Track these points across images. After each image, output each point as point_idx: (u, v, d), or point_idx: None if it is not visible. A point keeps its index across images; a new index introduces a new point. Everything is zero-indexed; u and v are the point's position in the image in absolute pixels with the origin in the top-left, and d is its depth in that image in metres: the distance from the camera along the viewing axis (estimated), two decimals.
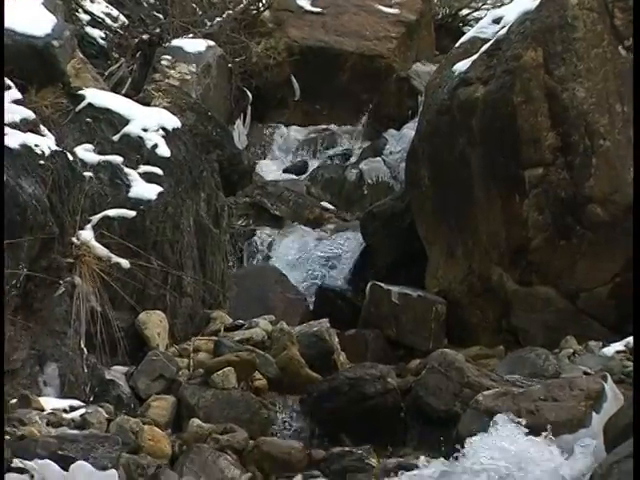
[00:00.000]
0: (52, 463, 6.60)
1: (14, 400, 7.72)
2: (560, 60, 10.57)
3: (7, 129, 8.62)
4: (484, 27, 11.63)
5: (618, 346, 9.35)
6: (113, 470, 6.70)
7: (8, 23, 9.24)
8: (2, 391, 4.96)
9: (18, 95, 8.94)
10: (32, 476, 6.55)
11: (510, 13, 11.24)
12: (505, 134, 10.57)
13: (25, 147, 8.58)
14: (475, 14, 14.29)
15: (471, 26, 13.40)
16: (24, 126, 8.74)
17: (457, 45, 11.89)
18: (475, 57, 11.09)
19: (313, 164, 13.70)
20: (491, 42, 11.11)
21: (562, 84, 10.55)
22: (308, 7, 14.86)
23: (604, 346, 9.48)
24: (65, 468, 6.56)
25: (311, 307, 11.17)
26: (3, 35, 8.45)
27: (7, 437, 6.95)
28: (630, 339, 9.38)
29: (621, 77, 10.64)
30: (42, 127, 8.91)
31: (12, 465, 6.62)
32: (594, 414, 7.46)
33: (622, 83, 10.63)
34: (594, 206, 10.40)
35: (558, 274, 10.49)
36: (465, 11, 15.96)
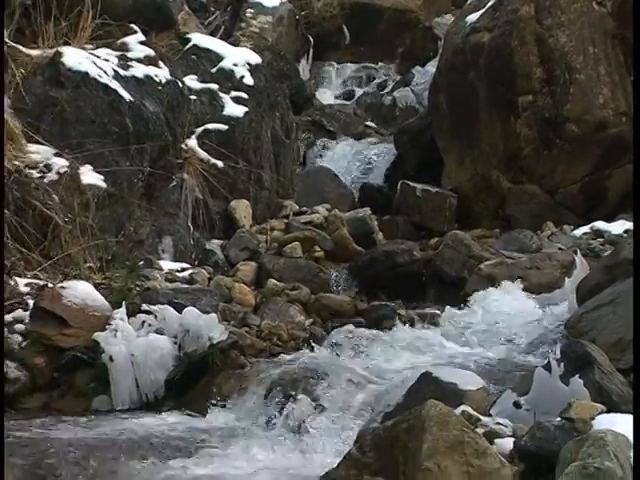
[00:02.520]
0: (170, 308, 6.71)
1: (141, 262, 7.85)
2: (548, 13, 10.42)
3: (134, 62, 8.67)
4: None
5: (585, 229, 9.32)
6: (213, 314, 6.80)
7: None
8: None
9: (142, 37, 8.96)
10: (155, 316, 6.71)
11: None
12: (504, 70, 10.44)
13: (147, 76, 8.64)
14: None
15: None
16: (147, 61, 8.78)
17: (468, 2, 11.67)
18: (483, 11, 10.90)
19: (358, 92, 13.52)
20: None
21: (549, 31, 10.40)
22: None
23: (574, 229, 9.44)
24: (179, 311, 6.66)
25: (356, 199, 11.14)
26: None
27: (137, 289, 7.11)
28: (594, 224, 9.41)
29: (593, 26, 10.51)
30: (160, 62, 8.94)
31: (141, 308, 6.79)
32: (566, 278, 7.50)
33: (594, 31, 10.49)
34: (570, 124, 10.31)
35: (541, 175, 10.43)
36: None
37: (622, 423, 3.57)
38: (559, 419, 3.85)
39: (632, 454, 3.34)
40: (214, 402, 6.22)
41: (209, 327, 6.62)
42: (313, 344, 6.99)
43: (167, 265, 8.07)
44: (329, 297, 7.93)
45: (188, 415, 6.19)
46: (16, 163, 7.49)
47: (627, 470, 3.32)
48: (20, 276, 7.01)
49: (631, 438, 3.42)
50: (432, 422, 3.93)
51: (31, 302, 6.69)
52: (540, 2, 10.49)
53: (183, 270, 8.00)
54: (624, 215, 9.54)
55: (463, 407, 4.38)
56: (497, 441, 4.12)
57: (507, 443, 4.10)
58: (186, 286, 7.55)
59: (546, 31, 10.45)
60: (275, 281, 8.01)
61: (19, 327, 6.53)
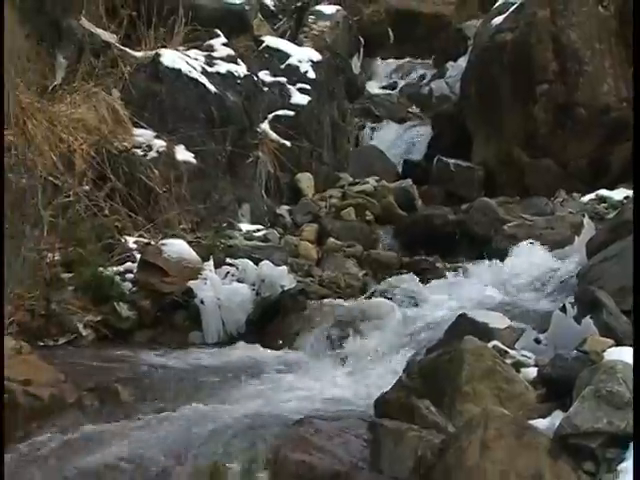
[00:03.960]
0: (249, 261, 6.77)
1: (225, 224, 7.89)
2: (561, 15, 10.21)
3: (218, 61, 8.67)
4: None
5: (591, 196, 9.13)
6: (284, 266, 6.83)
7: None
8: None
9: (224, 40, 8.95)
10: (237, 268, 6.74)
11: None
12: (524, 63, 10.24)
13: (229, 72, 8.64)
14: None
15: None
16: (228, 59, 8.77)
17: (494, 7, 11.44)
18: (506, 15, 10.71)
19: (401, 83, 13.35)
20: (516, 4, 10.70)
21: (562, 31, 10.19)
22: None
23: (582, 196, 9.25)
24: (256, 264, 6.72)
25: (400, 172, 11.02)
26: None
27: (222, 246, 7.15)
28: (599, 191, 9.27)
29: (599, 26, 10.26)
30: (239, 60, 8.93)
31: (225, 262, 6.83)
32: (576, 237, 7.39)
33: (600, 30, 10.23)
34: (579, 108, 10.13)
35: (555, 151, 10.24)
36: None
37: (629, 355, 3.53)
38: (576, 351, 3.82)
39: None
40: (285, 337, 6.26)
41: (281, 277, 6.66)
42: (366, 291, 7.00)
43: (245, 227, 8.11)
44: (378, 253, 7.91)
45: (264, 348, 6.22)
46: (125, 144, 7.56)
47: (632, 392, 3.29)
48: (129, 235, 7.10)
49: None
50: (469, 354, 3.94)
51: (138, 256, 6.78)
52: (555, 6, 10.29)
53: (258, 231, 8.05)
54: (624, 184, 9.39)
55: (494, 342, 4.36)
56: (523, 370, 4.11)
57: (531, 371, 4.09)
58: (261, 244, 7.60)
59: (560, 30, 10.24)
60: (334, 240, 8.00)
61: (129, 276, 6.62)
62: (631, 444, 3.24)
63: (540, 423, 3.39)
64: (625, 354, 3.55)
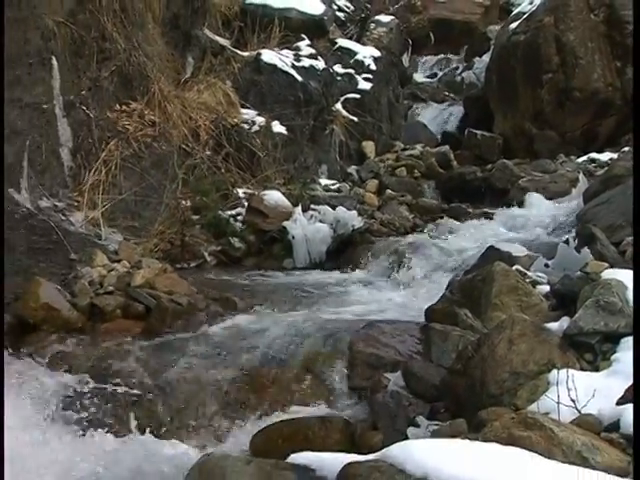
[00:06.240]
0: (327, 207, 6.73)
1: (309, 180, 7.84)
2: (562, 21, 9.81)
3: (303, 57, 8.54)
4: (524, 6, 10.79)
5: (584, 158, 8.82)
6: (354, 211, 6.77)
7: (302, 8, 9.15)
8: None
9: (308, 42, 8.82)
10: (319, 212, 6.71)
11: None
12: (533, 58, 9.88)
13: (311, 66, 8.51)
14: (519, 0, 13.10)
15: (517, 6, 12.31)
16: (311, 56, 8.64)
17: (510, 15, 11.13)
18: (520, 21, 10.34)
19: (439, 74, 13.10)
20: (527, 13, 10.32)
21: (562, 33, 9.79)
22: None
23: (577, 158, 8.96)
24: (333, 209, 6.68)
25: (439, 140, 10.75)
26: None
27: (307, 195, 7.11)
28: (590, 154, 8.94)
29: (591, 29, 9.81)
30: (319, 57, 8.79)
31: (310, 207, 6.79)
32: (573, 189, 7.23)
33: (592, 32, 9.78)
34: (576, 92, 9.75)
35: (557, 125, 9.91)
36: None
37: (619, 274, 3.40)
38: (579, 272, 3.71)
39: (630, 296, 3.19)
40: (355, 264, 6.23)
41: (351, 219, 6.63)
42: (415, 229, 6.93)
43: (324, 182, 8.06)
44: (424, 201, 7.79)
45: (339, 271, 6.20)
46: (235, 120, 7.54)
47: (624, 302, 3.18)
48: (239, 188, 7.12)
49: (626, 283, 3.27)
50: (498, 275, 3.86)
51: (245, 203, 6.80)
52: (557, 14, 9.89)
53: (334, 185, 7.99)
54: (609, 149, 9.12)
55: (516, 266, 4.26)
56: (538, 287, 4.00)
57: (544, 288, 3.97)
58: (336, 194, 7.55)
59: (561, 33, 9.84)
60: (390, 191, 7.91)
61: (239, 218, 6.66)
62: (622, 340, 3.13)
63: (552, 326, 3.30)
64: (617, 274, 3.42)
